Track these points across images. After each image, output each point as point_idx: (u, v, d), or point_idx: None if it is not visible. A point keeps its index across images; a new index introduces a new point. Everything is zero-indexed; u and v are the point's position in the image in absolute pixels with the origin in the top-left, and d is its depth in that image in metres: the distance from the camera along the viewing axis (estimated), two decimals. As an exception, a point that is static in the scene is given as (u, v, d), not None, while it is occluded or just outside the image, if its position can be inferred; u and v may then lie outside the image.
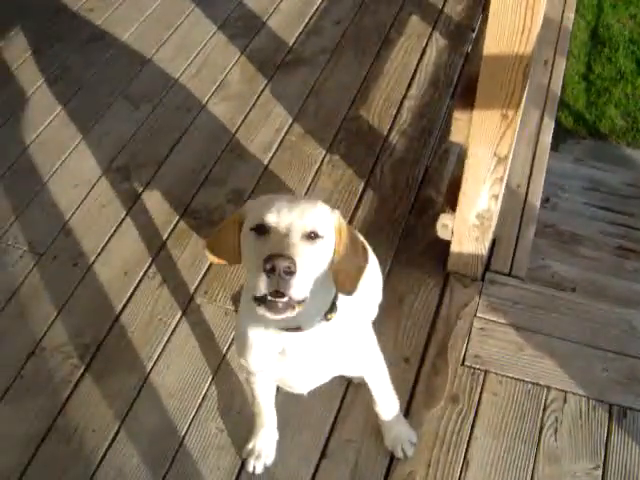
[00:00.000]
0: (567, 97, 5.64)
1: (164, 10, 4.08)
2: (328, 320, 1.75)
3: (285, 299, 1.50)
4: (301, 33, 3.87)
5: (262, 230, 1.56)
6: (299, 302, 1.53)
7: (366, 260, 1.75)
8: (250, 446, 2.33)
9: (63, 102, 3.55)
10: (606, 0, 6.47)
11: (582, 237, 3.49)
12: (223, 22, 3.97)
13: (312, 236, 1.56)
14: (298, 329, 1.73)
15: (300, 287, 1.50)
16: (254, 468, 2.30)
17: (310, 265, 1.54)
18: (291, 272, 1.46)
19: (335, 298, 1.76)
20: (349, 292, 1.69)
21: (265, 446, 2.32)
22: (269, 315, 1.53)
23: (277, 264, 1.44)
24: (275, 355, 1.84)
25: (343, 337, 1.86)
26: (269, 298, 1.50)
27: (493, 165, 2.29)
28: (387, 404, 2.27)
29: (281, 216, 1.56)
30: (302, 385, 2.09)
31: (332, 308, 1.75)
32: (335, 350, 1.86)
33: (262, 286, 1.48)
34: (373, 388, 2.21)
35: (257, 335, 1.82)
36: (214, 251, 1.82)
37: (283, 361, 1.85)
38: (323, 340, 1.79)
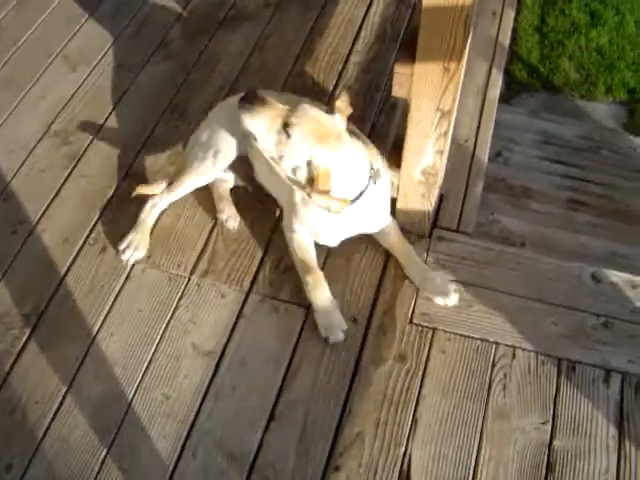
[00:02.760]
0: (520, 50, 5.60)
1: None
2: (375, 184, 2.33)
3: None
4: (244, -13, 3.77)
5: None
6: None
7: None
8: (320, 321, 2.47)
9: (-1, 64, 3.44)
10: (560, -49, 6.40)
11: (533, 191, 3.48)
12: (164, -22, 3.85)
13: (287, 126, 2.20)
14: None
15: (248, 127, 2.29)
16: (334, 339, 2.45)
17: (265, 139, 2.27)
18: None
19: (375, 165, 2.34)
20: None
21: (333, 315, 2.47)
22: None
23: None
24: (326, 225, 2.45)
25: (383, 197, 2.48)
26: None
27: (437, 119, 2.25)
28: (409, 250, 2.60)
29: (302, 106, 2.27)
30: (335, 239, 2.56)
31: (377, 173, 2.34)
32: (375, 208, 2.45)
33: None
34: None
35: (314, 213, 2.39)
36: None
37: (330, 228, 2.48)
38: (367, 205, 2.35)
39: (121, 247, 2.66)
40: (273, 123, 2.21)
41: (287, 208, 2.55)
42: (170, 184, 2.73)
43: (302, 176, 2.21)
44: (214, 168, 2.65)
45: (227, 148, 2.62)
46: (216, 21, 3.60)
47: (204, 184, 2.74)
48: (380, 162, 2.44)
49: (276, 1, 3.67)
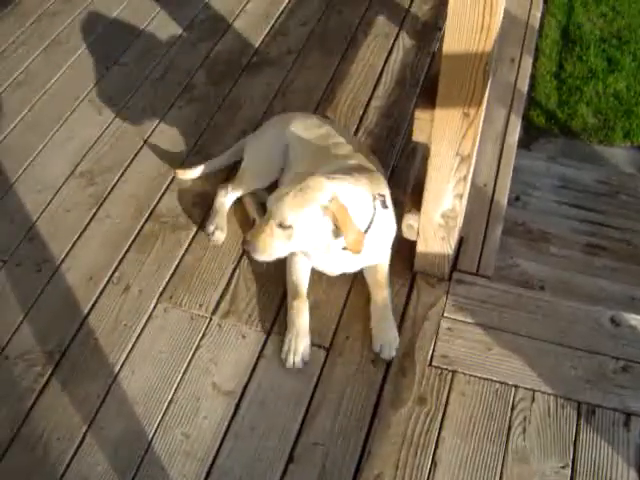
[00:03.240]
0: (539, 96, 5.65)
1: (130, 13, 4.04)
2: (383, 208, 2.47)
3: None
4: (267, 34, 3.85)
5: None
6: None
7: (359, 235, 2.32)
8: (287, 341, 2.53)
9: (28, 106, 3.51)
10: (577, -1, 6.48)
11: (552, 235, 3.49)
12: (189, 24, 3.95)
13: (284, 226, 2.25)
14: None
15: (263, 257, 2.35)
16: (294, 363, 2.50)
17: (282, 244, 2.31)
18: (253, 252, 2.33)
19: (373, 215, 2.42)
20: (357, 252, 2.34)
21: (302, 342, 2.52)
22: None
23: (245, 245, 2.34)
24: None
25: (389, 226, 2.57)
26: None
27: (456, 164, 2.27)
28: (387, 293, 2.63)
29: (270, 205, 2.29)
30: (338, 269, 2.64)
31: (384, 200, 2.47)
32: (381, 237, 2.54)
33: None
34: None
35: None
36: None
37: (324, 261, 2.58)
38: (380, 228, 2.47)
39: (210, 229, 2.86)
40: (274, 236, 2.31)
41: None
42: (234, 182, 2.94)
43: (329, 232, 2.34)
44: (269, 175, 2.90)
45: (278, 158, 2.87)
46: (239, 67, 3.67)
47: (262, 186, 2.92)
48: (387, 191, 2.58)
49: (298, 47, 3.75)
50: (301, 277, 2.63)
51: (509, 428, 2.36)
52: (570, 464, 2.29)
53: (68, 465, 2.32)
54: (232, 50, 3.78)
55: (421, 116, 2.24)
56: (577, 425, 2.37)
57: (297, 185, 2.27)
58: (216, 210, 2.90)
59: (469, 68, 2.00)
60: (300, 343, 2.51)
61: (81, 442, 2.36)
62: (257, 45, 3.80)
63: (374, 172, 2.61)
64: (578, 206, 4.09)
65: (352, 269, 2.64)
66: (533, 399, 2.42)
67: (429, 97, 2.16)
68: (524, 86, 3.44)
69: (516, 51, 3.53)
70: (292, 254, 2.53)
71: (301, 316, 2.54)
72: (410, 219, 2.54)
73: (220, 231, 2.86)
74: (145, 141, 3.30)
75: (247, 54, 3.75)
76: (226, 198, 2.91)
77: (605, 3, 6.36)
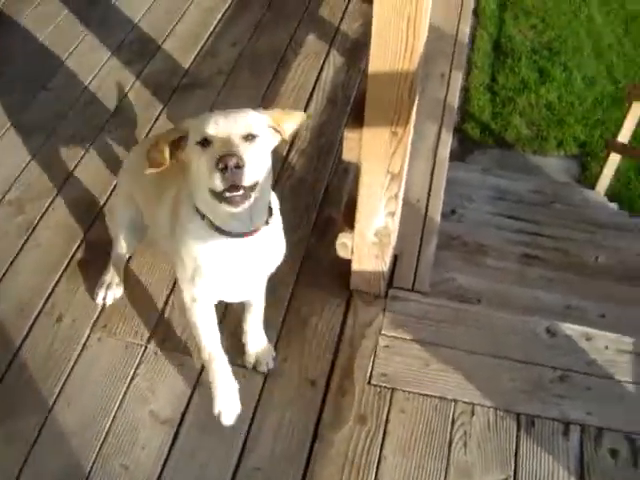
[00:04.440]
0: (472, 108, 5.76)
1: (58, 35, 3.96)
2: (268, 224, 2.03)
3: (240, 192, 1.77)
4: (197, 55, 3.82)
5: (206, 142, 1.81)
6: (252, 188, 1.80)
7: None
8: (218, 406, 2.38)
9: (-48, 133, 3.43)
10: (507, 12, 6.63)
11: (488, 247, 3.53)
12: (118, 46, 3.89)
13: (249, 137, 1.82)
14: (249, 233, 1.98)
15: (250, 175, 1.77)
16: (230, 420, 2.39)
17: (254, 159, 1.80)
18: (240, 166, 1.73)
19: (270, 203, 2.06)
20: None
21: (231, 399, 2.39)
22: (230, 208, 1.80)
23: (228, 161, 1.71)
24: (223, 266, 2.09)
25: (275, 240, 2.17)
26: (227, 194, 1.77)
27: (387, 182, 2.28)
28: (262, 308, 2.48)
29: (219, 126, 1.82)
30: (239, 293, 2.31)
31: (270, 212, 2.05)
32: (268, 253, 2.15)
33: (218, 183, 1.75)
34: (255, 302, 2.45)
35: (206, 249, 2.06)
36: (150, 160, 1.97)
37: (229, 270, 2.11)
38: (263, 243, 2.06)
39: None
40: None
41: (180, 265, 2.20)
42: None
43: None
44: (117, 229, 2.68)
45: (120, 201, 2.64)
46: (170, 88, 3.64)
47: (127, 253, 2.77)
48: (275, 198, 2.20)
49: (229, 68, 3.73)
50: (210, 329, 2.34)
51: (450, 443, 2.36)
52: (512, 476, 2.30)
53: (2, 505, 2.26)
54: (162, 72, 3.74)
55: (350, 135, 2.24)
56: (517, 437, 2.39)
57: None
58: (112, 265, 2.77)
59: (395, 88, 2.02)
60: (230, 400, 2.40)
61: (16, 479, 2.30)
62: (187, 66, 3.77)
63: None
64: (513, 217, 4.15)
65: (250, 277, 2.22)
66: (473, 413, 2.43)
67: (357, 116, 2.17)
68: (454, 100, 3.47)
69: (445, 66, 3.57)
70: (192, 301, 2.25)
71: (225, 372, 2.39)
72: (344, 238, 2.54)
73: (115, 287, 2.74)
74: (75, 168, 3.24)
75: (177, 75, 3.71)
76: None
77: (535, 15, 6.52)
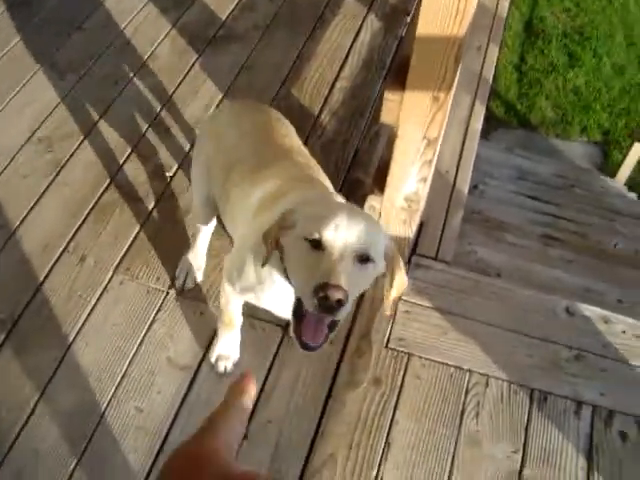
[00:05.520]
0: (499, 87, 5.71)
1: (96, -23, 3.94)
2: None
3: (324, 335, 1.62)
4: (234, 8, 3.80)
5: (317, 244, 1.56)
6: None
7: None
8: (218, 351, 2.41)
9: (-15, 70, 3.41)
10: (541, -7, 6.54)
11: (509, 225, 3.53)
12: (156, -7, 3.87)
13: (364, 259, 1.57)
14: None
15: (345, 313, 1.53)
16: (225, 368, 2.40)
17: (357, 289, 1.58)
18: (342, 303, 1.48)
19: None
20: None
21: (232, 347, 2.41)
22: (308, 341, 1.63)
23: (331, 295, 1.46)
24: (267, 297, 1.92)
25: None
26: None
27: (422, 147, 2.28)
28: None
29: (339, 234, 1.55)
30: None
31: None
32: None
33: (310, 306, 1.52)
34: None
35: (256, 277, 1.88)
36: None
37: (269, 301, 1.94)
38: None
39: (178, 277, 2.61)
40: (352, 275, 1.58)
41: (231, 259, 2.10)
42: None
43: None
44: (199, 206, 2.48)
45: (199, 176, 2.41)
46: (205, 39, 3.62)
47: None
48: None
49: (265, 23, 3.71)
50: (235, 313, 2.29)
51: (462, 412, 2.38)
52: (521, 449, 2.32)
53: (17, 437, 2.27)
54: (198, 22, 3.72)
55: (390, 97, 2.23)
56: (529, 411, 2.40)
57: (337, 204, 1.79)
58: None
59: (442, 52, 2.01)
60: (230, 350, 2.42)
61: (31, 414, 2.32)
62: (224, 19, 3.75)
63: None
64: (534, 197, 4.14)
65: None
66: (487, 384, 2.44)
67: (399, 79, 2.16)
68: (490, 74, 3.46)
69: (483, 39, 3.55)
70: (231, 286, 2.09)
71: (234, 332, 2.39)
72: (373, 201, 2.53)
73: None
74: (106, 110, 3.23)
75: (213, 27, 3.70)
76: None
77: (568, -2, 6.44)
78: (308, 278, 1.53)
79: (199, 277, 2.62)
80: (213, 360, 2.43)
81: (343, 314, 1.53)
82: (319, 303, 1.48)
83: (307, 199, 1.81)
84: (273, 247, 1.69)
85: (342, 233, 1.55)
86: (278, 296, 1.85)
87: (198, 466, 0.71)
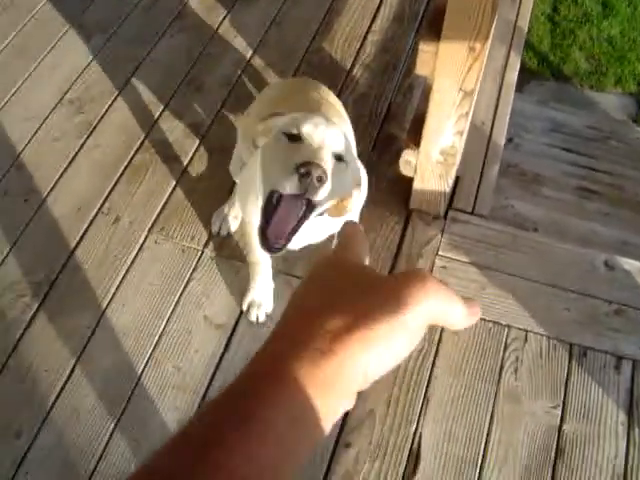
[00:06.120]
0: (532, 38, 5.60)
1: None
2: None
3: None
4: (262, -37, 3.73)
5: (295, 137, 1.66)
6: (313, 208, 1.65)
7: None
8: (250, 298, 2.43)
9: (14, 32, 3.39)
10: (573, -60, 6.38)
11: (544, 178, 3.47)
12: (182, -51, 3.81)
13: (340, 159, 1.68)
14: None
15: (324, 194, 1.61)
16: (257, 317, 2.43)
17: (334, 187, 1.64)
18: (322, 181, 1.57)
19: None
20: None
21: (264, 295, 2.43)
22: (264, 246, 1.67)
23: (312, 170, 1.55)
24: None
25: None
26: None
27: (459, 100, 2.23)
28: None
29: (317, 130, 1.66)
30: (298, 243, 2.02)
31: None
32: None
33: (288, 185, 1.58)
34: None
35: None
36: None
37: None
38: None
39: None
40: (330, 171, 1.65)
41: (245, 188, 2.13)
42: None
43: None
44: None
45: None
46: (234, -5, 3.56)
47: None
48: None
49: (294, -22, 3.64)
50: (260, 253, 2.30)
51: (501, 367, 2.36)
52: (561, 405, 2.30)
53: (57, 397, 2.30)
54: (226, -22, 3.65)
55: (425, 49, 2.18)
56: (568, 366, 2.38)
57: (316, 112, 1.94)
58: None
59: (477, 0, 1.95)
60: (261, 297, 2.43)
61: (70, 374, 2.34)
62: (252, -26, 3.68)
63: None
64: (569, 150, 4.08)
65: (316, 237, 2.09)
66: (526, 339, 2.42)
67: (434, 29, 2.10)
68: (524, 24, 3.38)
69: (517, -12, 3.46)
70: (249, 218, 2.10)
71: (264, 274, 2.39)
72: (408, 155, 2.49)
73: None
74: (135, 70, 3.21)
75: (242, -18, 3.63)
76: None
77: (603, -55, 6.27)
78: (288, 163, 1.60)
79: (234, 226, 2.62)
80: (245, 307, 2.44)
81: (321, 196, 1.60)
82: (300, 180, 1.56)
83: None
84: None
85: (320, 131, 1.66)
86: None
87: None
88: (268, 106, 2.20)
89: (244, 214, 2.17)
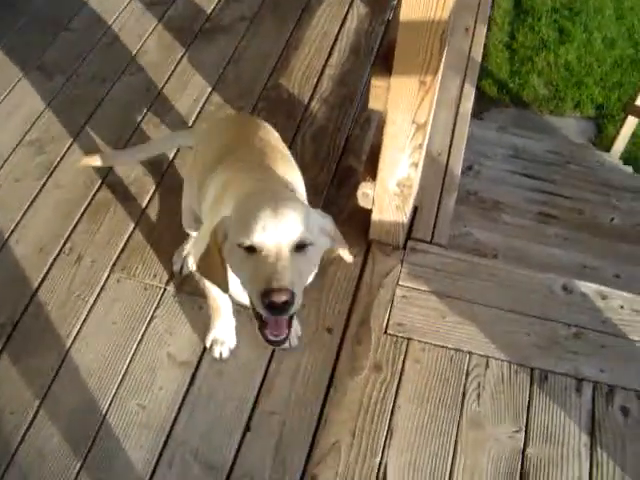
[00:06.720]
0: (491, 66, 5.70)
1: (79, -23, 3.92)
2: None
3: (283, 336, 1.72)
4: (219, 0, 3.78)
5: (251, 249, 1.61)
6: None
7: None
8: (212, 335, 2.44)
9: (-28, 73, 3.40)
10: (529, -31, 6.50)
11: (504, 204, 3.53)
12: (140, -11, 3.85)
13: (300, 248, 1.62)
14: None
15: (297, 304, 1.60)
16: (220, 353, 2.43)
17: (304, 275, 1.65)
18: (289, 302, 1.55)
19: None
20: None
21: (226, 332, 2.43)
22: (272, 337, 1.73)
23: (276, 299, 1.54)
24: None
25: None
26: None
27: (412, 132, 2.27)
28: None
29: (268, 234, 1.60)
30: None
31: None
32: None
33: (261, 311, 1.60)
34: None
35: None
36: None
37: None
38: None
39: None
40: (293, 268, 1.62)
41: (198, 244, 2.05)
42: None
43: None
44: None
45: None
46: (192, 33, 3.60)
47: None
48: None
49: (251, 14, 3.69)
50: (221, 298, 2.31)
51: (464, 394, 2.39)
52: (523, 428, 2.33)
53: (22, 438, 2.29)
54: (184, 16, 3.71)
55: (377, 84, 2.23)
56: (530, 390, 2.41)
57: (267, 193, 1.79)
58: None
59: (426, 36, 2.00)
60: (223, 335, 2.44)
61: (35, 415, 2.33)
62: (209, 11, 3.73)
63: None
64: (529, 175, 4.14)
65: None
66: (487, 365, 2.45)
67: (385, 65, 2.15)
68: (478, 55, 3.44)
69: (470, 20, 3.53)
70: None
71: (223, 312, 2.38)
72: (366, 187, 2.53)
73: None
74: (95, 109, 3.23)
75: (199, 20, 3.68)
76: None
77: (556, -27, 6.40)
78: (253, 283, 1.60)
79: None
80: (208, 345, 2.45)
81: (294, 310, 1.60)
82: (267, 309, 1.56)
83: (241, 197, 1.80)
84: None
85: (271, 232, 1.59)
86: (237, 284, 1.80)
87: None
88: (211, 154, 2.17)
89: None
